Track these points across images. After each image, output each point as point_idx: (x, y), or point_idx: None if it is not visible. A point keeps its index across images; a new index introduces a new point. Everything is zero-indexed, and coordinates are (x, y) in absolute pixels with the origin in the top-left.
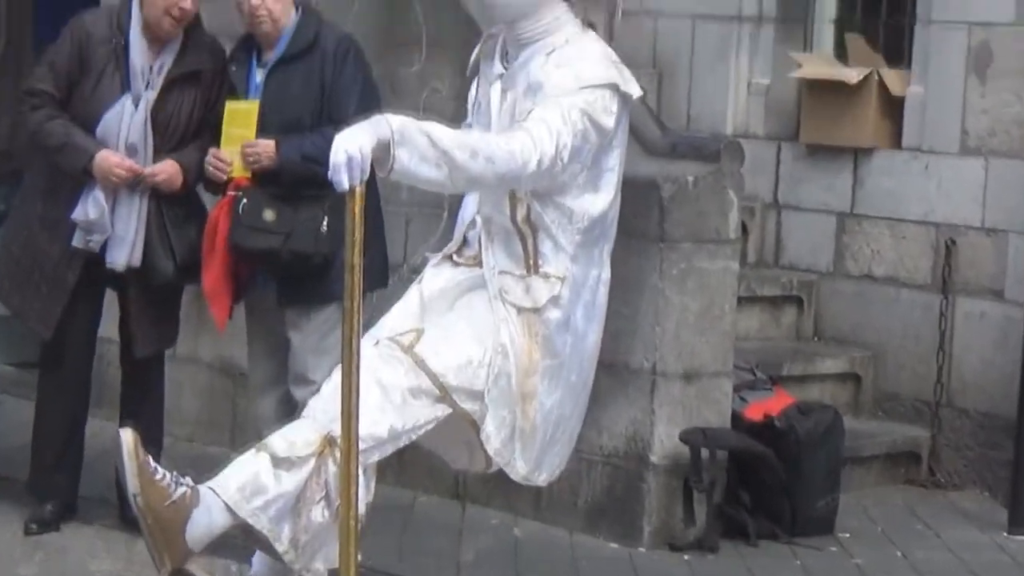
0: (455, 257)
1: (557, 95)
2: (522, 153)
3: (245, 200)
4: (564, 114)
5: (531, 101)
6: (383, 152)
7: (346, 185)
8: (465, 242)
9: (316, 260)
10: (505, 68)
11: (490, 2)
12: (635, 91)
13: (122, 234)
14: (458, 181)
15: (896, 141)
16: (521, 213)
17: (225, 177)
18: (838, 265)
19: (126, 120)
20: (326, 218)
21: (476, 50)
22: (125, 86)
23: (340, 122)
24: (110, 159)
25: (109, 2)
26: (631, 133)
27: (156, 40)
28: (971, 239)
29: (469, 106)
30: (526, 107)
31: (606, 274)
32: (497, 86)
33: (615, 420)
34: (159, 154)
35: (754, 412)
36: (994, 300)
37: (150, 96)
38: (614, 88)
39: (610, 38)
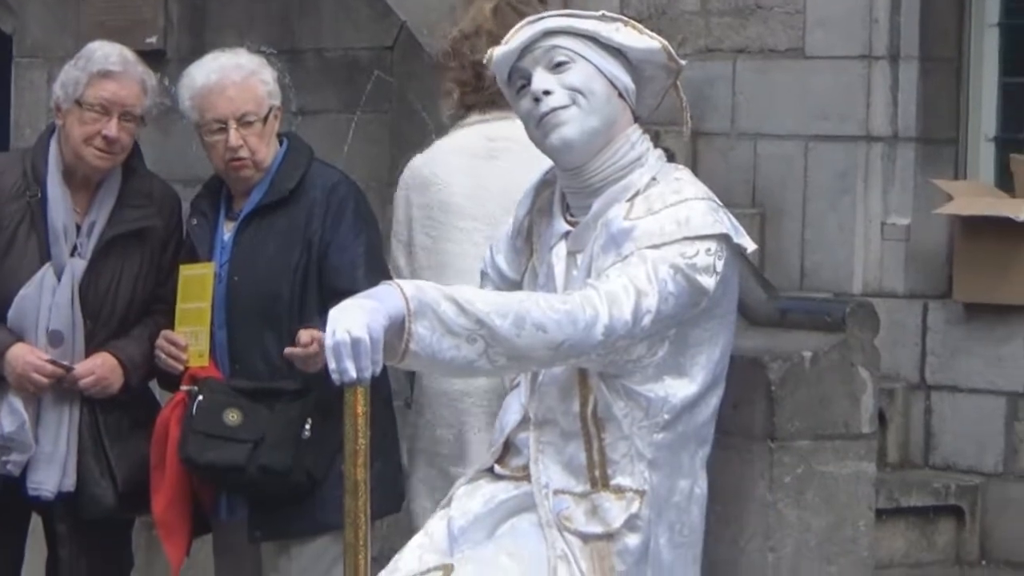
0: (496, 468)
1: (643, 247)
2: (584, 316)
3: (201, 397)
4: (649, 271)
5: (613, 257)
6: (395, 333)
7: (352, 376)
8: (509, 448)
9: (297, 478)
10: (570, 224)
11: (554, 146)
12: (749, 244)
13: (49, 452)
14: (498, 360)
15: None
16: (590, 406)
17: (181, 368)
18: (1010, 463)
19: (46, 300)
20: (310, 420)
21: (527, 204)
22: (44, 254)
23: (335, 295)
24: (26, 357)
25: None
26: None
27: (83, 188)
28: None
29: (497, 277)
30: (606, 266)
31: (701, 487)
32: (561, 248)
33: None
34: (93, 343)
35: None
36: None
37: (78, 266)
38: (723, 240)
39: (693, 169)
